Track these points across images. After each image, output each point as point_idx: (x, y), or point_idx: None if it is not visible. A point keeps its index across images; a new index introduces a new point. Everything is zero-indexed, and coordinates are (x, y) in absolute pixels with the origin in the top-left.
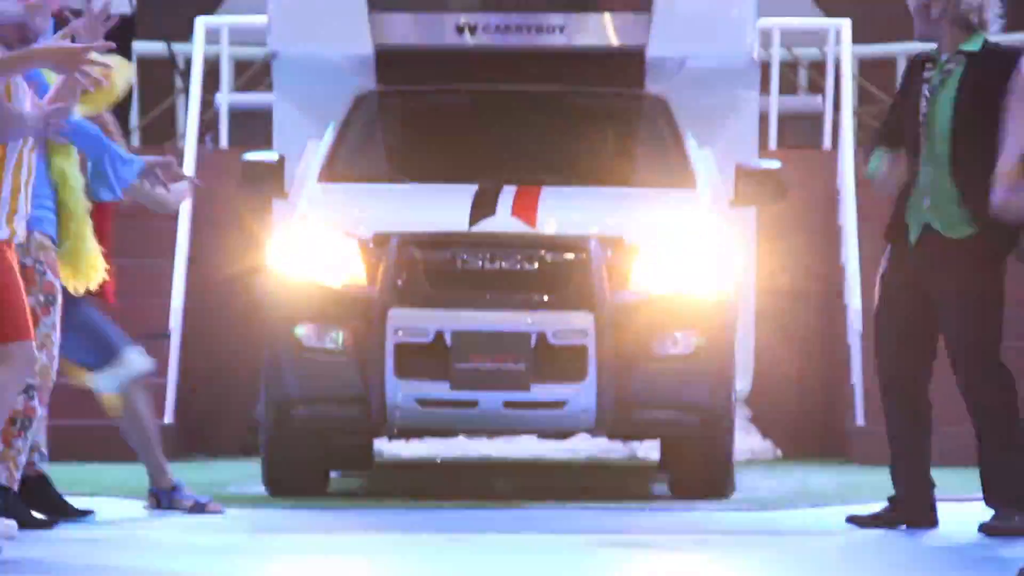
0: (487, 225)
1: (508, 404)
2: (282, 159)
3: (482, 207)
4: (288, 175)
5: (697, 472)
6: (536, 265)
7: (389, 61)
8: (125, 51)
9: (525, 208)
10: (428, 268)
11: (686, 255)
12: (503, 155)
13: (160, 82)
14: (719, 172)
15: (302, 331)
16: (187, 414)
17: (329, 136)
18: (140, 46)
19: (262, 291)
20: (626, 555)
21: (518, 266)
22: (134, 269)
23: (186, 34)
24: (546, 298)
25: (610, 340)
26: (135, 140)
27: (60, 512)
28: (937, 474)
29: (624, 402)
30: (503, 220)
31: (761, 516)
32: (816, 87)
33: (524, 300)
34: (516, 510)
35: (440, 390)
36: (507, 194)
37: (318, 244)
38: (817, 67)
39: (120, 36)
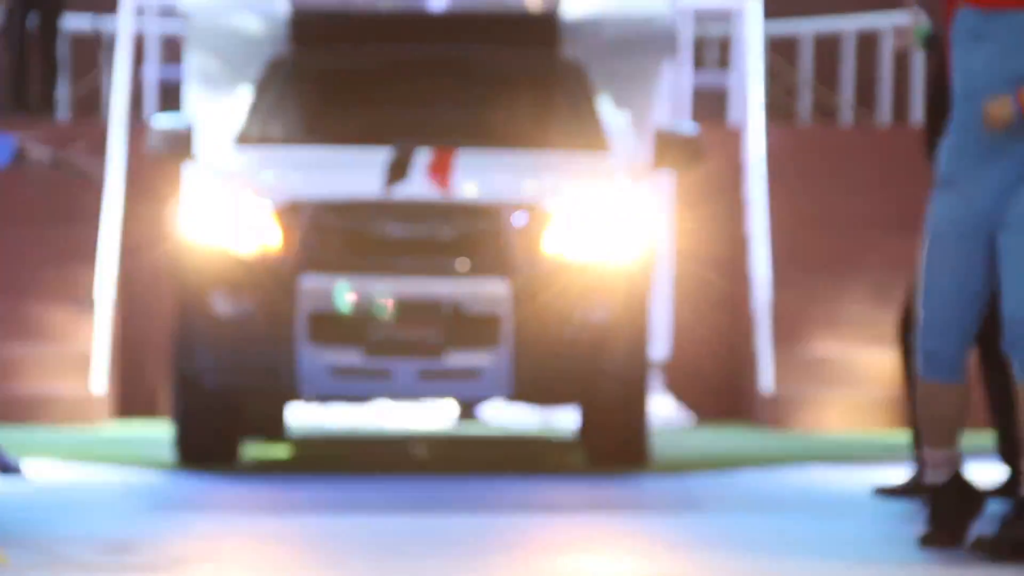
0: (401, 191)
1: (423, 374)
2: (191, 128)
3: (396, 172)
4: (198, 139)
5: (614, 442)
6: (451, 231)
7: (304, 22)
8: (54, 24)
9: (440, 173)
10: (342, 234)
11: (602, 221)
12: (418, 117)
13: (87, 56)
14: (635, 137)
15: (213, 297)
16: (125, 381)
17: (243, 98)
18: (69, 20)
19: (173, 257)
20: (540, 524)
21: (433, 233)
22: (61, 237)
23: (113, 7)
24: (461, 265)
25: (525, 308)
26: (63, 112)
27: None
28: None
29: (539, 370)
30: (417, 186)
31: (677, 484)
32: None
33: (438, 267)
34: (429, 482)
35: (353, 358)
36: (422, 157)
37: (229, 209)
38: (726, 44)
39: (49, 9)
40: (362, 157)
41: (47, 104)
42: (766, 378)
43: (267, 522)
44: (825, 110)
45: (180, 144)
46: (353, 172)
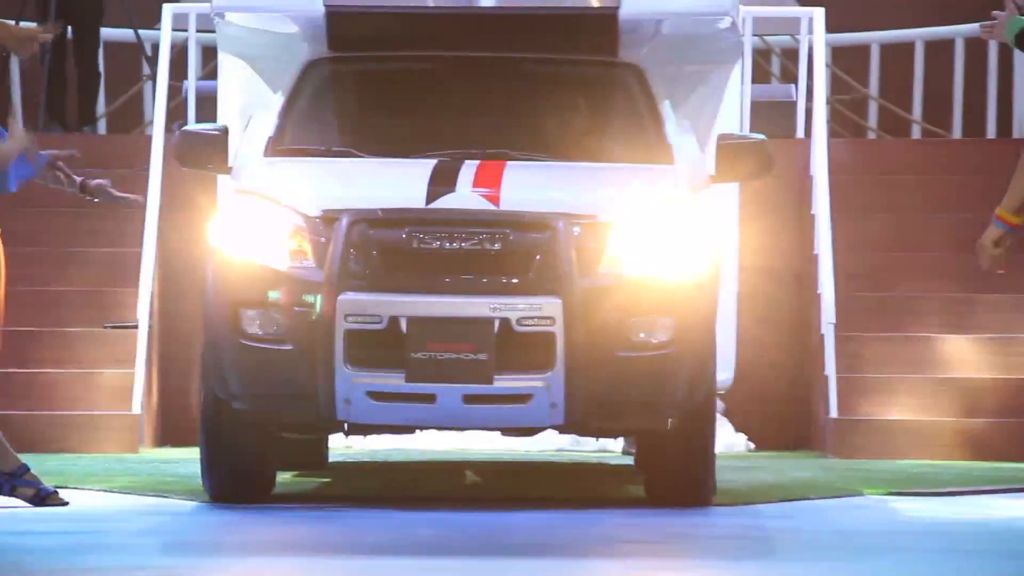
0: (446, 201)
1: (468, 399)
2: (225, 131)
3: (440, 182)
4: (233, 149)
5: (676, 478)
6: (499, 245)
7: (341, 23)
8: (94, 37)
9: (488, 183)
10: (381, 249)
11: (664, 235)
12: (464, 126)
13: (128, 69)
14: (699, 147)
15: (244, 317)
16: (161, 404)
17: (276, 106)
18: (108, 32)
19: (206, 273)
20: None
21: (479, 247)
22: (106, 259)
23: (153, 21)
24: (510, 281)
25: (580, 328)
26: (102, 127)
27: None
28: None
29: (595, 397)
30: (463, 196)
31: (744, 520)
32: (789, 75)
33: (486, 284)
34: (477, 517)
35: (394, 382)
36: (468, 168)
37: (261, 222)
38: (790, 55)
39: (89, 22)
40: (404, 168)
41: (86, 119)
42: (831, 403)
43: (304, 564)
44: (893, 123)
45: (211, 154)
46: (393, 183)
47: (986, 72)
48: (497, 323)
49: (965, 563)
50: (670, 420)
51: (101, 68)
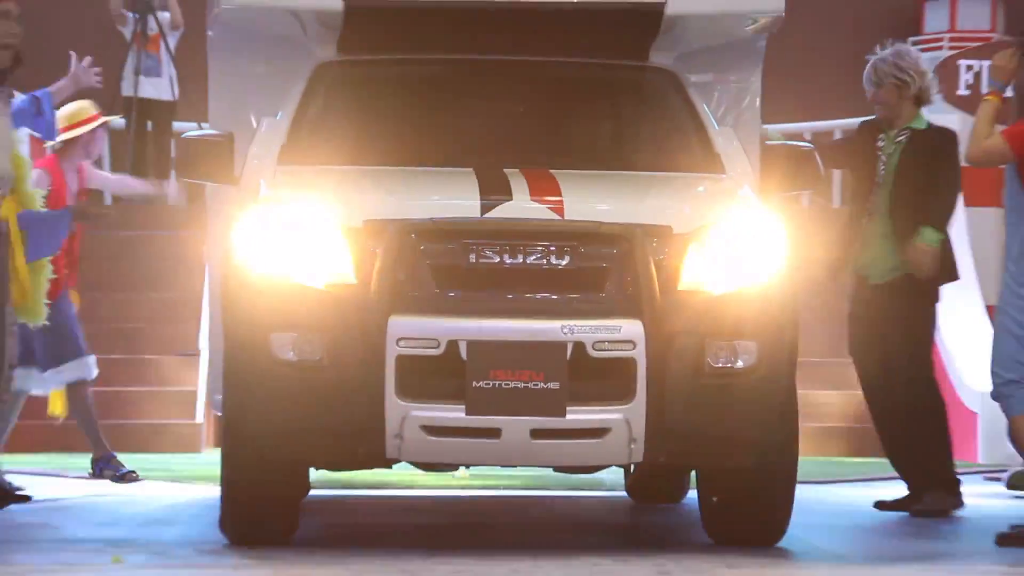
0: (504, 211)
1: (537, 433)
2: (230, 137)
3: (493, 191)
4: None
5: (752, 514)
6: (567, 260)
7: (360, 19)
8: (167, 131)
9: (547, 192)
10: (435, 264)
11: (748, 248)
12: (494, 134)
13: None
14: (746, 155)
15: (277, 342)
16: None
17: (288, 110)
18: (179, 126)
19: (226, 295)
20: None
21: (545, 261)
22: (174, 299)
23: None
24: (583, 301)
25: (662, 353)
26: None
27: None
28: None
29: (677, 430)
30: (523, 206)
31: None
32: None
33: (556, 303)
34: (515, 563)
35: (453, 415)
36: (517, 177)
37: (293, 235)
38: None
39: (163, 117)
40: (446, 177)
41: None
42: None
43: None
44: None
45: (215, 163)
46: (442, 193)
47: None
48: (570, 348)
49: None
50: (757, 455)
51: (172, 153)
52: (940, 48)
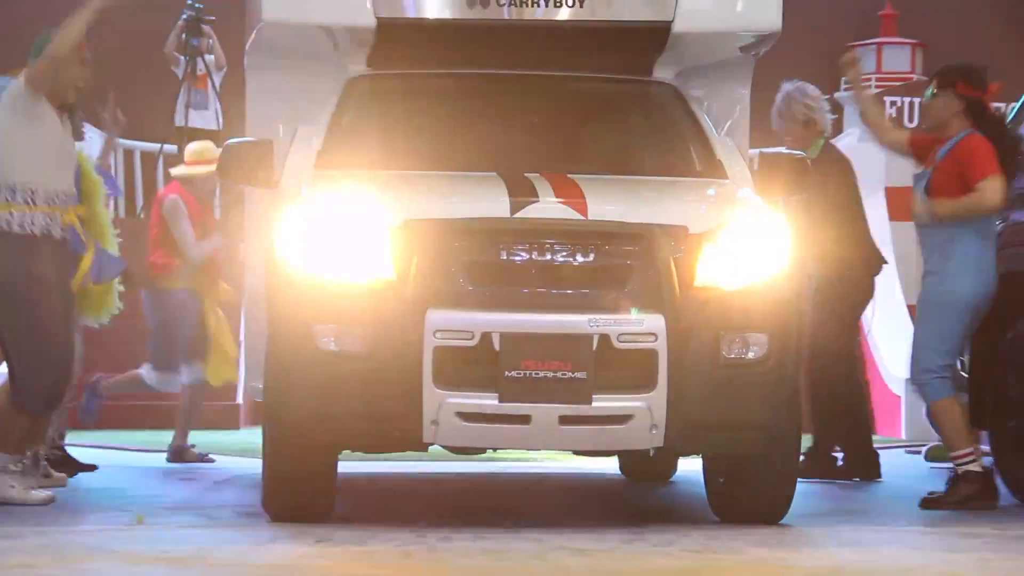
0: (532, 211)
1: (565, 419)
2: (270, 144)
3: (520, 193)
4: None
5: (759, 495)
6: (592, 257)
7: (392, 35)
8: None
9: (570, 194)
10: (469, 261)
11: (758, 246)
12: (514, 142)
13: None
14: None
15: (320, 333)
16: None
17: (323, 120)
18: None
19: (270, 290)
20: None
21: (571, 259)
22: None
23: None
24: (607, 295)
25: (680, 344)
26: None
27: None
28: None
29: (693, 417)
30: (550, 207)
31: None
32: None
33: (583, 298)
34: (534, 542)
35: (486, 402)
36: (540, 181)
37: (334, 233)
38: None
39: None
40: (476, 181)
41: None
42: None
43: None
44: None
45: (256, 167)
46: (474, 195)
47: None
48: (596, 340)
49: None
50: (766, 440)
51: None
52: (868, 86)
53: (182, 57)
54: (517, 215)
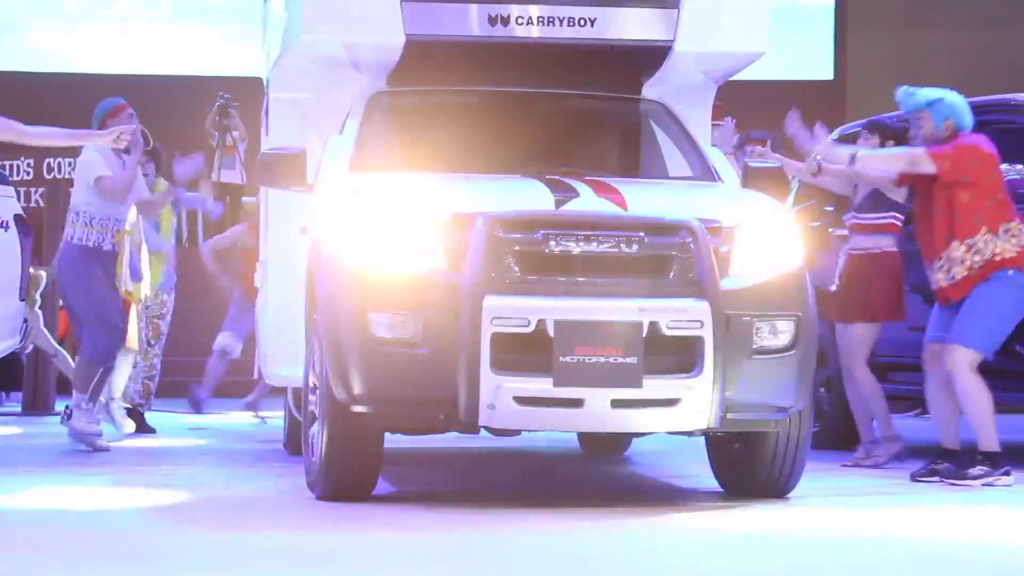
0: (577, 205)
1: (616, 403)
2: (303, 152)
3: (561, 189)
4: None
5: (770, 473)
6: (636, 248)
7: (419, 52)
8: (236, 209)
9: (608, 191)
10: (521, 251)
11: (783, 238)
12: (525, 150)
13: None
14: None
15: (375, 321)
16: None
17: (350, 130)
18: (247, 199)
19: (327, 283)
20: None
21: (616, 249)
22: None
23: None
24: (654, 284)
25: (723, 330)
26: None
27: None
28: None
29: (731, 399)
30: (592, 201)
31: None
32: None
33: (631, 286)
34: (556, 519)
35: (541, 386)
36: (576, 181)
37: (386, 225)
38: None
39: (234, 193)
40: (515, 180)
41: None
42: None
43: None
44: None
45: (291, 173)
46: (518, 190)
47: None
48: (646, 326)
49: None
50: (786, 420)
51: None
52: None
53: (216, 133)
54: (562, 209)
